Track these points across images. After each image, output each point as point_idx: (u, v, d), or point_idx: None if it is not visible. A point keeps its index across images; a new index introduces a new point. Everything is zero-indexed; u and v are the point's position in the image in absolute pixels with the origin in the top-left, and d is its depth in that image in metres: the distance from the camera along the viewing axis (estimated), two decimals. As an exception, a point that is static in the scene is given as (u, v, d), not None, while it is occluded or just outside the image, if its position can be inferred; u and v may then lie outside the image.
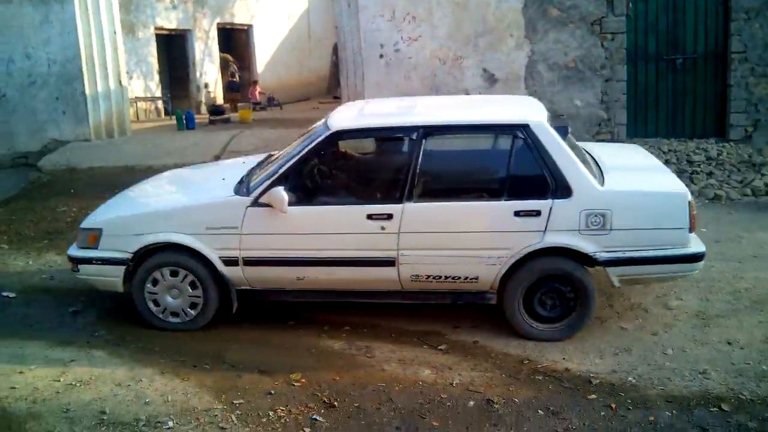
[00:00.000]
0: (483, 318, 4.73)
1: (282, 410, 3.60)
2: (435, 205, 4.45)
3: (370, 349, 4.35)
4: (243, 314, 4.83)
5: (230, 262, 4.56)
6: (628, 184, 4.47)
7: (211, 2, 18.12)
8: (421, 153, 4.45)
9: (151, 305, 4.72)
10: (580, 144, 5.28)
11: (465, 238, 4.36)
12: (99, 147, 11.32)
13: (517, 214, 4.27)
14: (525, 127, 4.36)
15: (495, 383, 3.86)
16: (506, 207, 4.30)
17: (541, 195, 4.27)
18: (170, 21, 16.89)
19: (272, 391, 3.81)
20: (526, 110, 4.77)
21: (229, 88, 18.44)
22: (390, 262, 4.42)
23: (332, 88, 21.55)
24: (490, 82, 9.60)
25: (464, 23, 9.57)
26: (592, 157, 4.92)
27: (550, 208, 4.24)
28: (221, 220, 4.54)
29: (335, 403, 3.65)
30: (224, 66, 18.98)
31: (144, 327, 4.75)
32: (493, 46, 9.51)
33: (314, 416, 3.53)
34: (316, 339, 4.53)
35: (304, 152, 4.60)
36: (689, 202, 4.26)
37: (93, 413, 3.61)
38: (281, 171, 4.54)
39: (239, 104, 16.62)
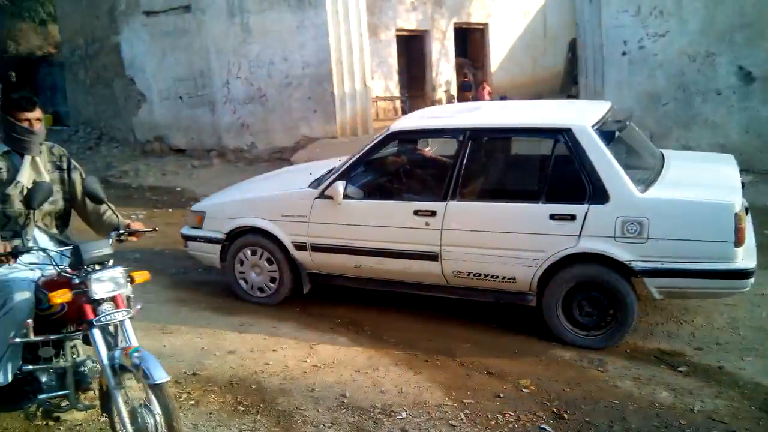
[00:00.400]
0: (730, 342, 4.40)
1: (510, 415, 3.62)
2: (476, 205, 4.66)
3: (603, 363, 4.21)
4: (474, 315, 4.93)
5: (300, 247, 5.11)
6: (672, 192, 4.27)
7: (449, 2, 18.52)
8: (467, 154, 4.64)
9: (241, 281, 5.45)
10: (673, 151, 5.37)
11: (503, 239, 4.47)
12: (344, 144, 11.99)
13: (552, 217, 4.32)
14: (567, 132, 4.38)
15: (742, 415, 3.54)
16: (542, 210, 4.36)
17: (577, 199, 4.29)
18: (410, 22, 17.55)
19: (501, 395, 3.85)
20: (575, 115, 4.77)
21: (462, 87, 18.76)
22: (434, 257, 4.66)
23: (566, 87, 20.96)
24: (746, 81, 8.77)
25: (718, 16, 8.84)
26: (663, 161, 4.87)
27: (586, 213, 4.23)
28: (294, 209, 5.09)
29: (565, 415, 3.59)
30: (459, 66, 19.33)
31: (379, 316, 5.10)
32: (752, 41, 8.68)
33: (543, 425, 3.51)
34: (545, 346, 4.49)
35: (365, 150, 5.06)
36: (736, 215, 3.96)
37: (335, 395, 3.91)
38: (345, 167, 5.00)
39: (472, 103, 16.85)
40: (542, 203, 4.38)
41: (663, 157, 5.02)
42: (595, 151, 4.28)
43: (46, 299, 3.06)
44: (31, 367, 3.22)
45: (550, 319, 4.51)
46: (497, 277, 4.56)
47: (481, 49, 20.51)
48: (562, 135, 4.40)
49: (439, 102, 18.25)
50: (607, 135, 4.41)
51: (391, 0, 16.67)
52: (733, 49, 8.85)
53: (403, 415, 3.66)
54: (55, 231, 3.50)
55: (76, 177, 3.56)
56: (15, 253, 3.02)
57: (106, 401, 3.04)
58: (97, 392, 3.17)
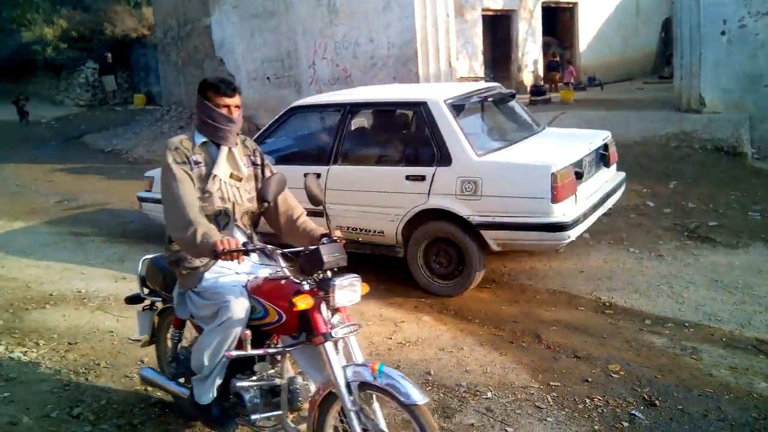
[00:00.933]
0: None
1: (599, 399, 3.56)
2: (351, 168, 5.42)
3: (697, 350, 4.07)
4: (560, 297, 4.86)
5: None
6: (502, 156, 4.97)
7: (537, -19, 18.08)
8: (346, 125, 5.51)
9: None
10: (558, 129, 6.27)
11: (372, 197, 5.24)
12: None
13: (407, 178, 5.07)
14: (423, 105, 5.10)
15: None
16: (400, 172, 5.13)
17: (427, 163, 5.03)
18: (497, 2, 17.21)
19: (589, 379, 3.78)
20: (434, 91, 5.43)
21: (549, 67, 18.32)
22: (320, 214, 5.06)
23: (657, 68, 20.16)
24: None
25: (830, -7, 8.30)
26: (532, 135, 5.57)
27: (433, 174, 4.95)
28: None
29: (656, 402, 3.50)
30: (546, 45, 18.87)
31: (463, 296, 5.07)
32: None
33: (633, 412, 3.43)
34: (636, 332, 4.38)
35: (271, 123, 5.99)
36: (553, 174, 4.54)
37: (420, 372, 3.94)
38: (256, 136, 5.81)
39: (559, 84, 16.46)
40: (402, 166, 5.15)
41: (536, 132, 5.72)
42: (443, 121, 4.97)
43: (261, 307, 2.82)
44: (246, 383, 2.89)
45: (413, 268, 5.25)
46: (370, 231, 5.33)
47: (569, 29, 19.89)
48: (419, 108, 5.12)
49: (522, 83, 17.88)
50: (458, 108, 5.11)
51: (478, -21, 16.41)
52: None
53: (489, 395, 3.66)
54: (250, 231, 3.14)
55: (268, 174, 3.14)
56: (246, 251, 2.68)
57: (321, 426, 2.72)
58: (305, 414, 2.81)
